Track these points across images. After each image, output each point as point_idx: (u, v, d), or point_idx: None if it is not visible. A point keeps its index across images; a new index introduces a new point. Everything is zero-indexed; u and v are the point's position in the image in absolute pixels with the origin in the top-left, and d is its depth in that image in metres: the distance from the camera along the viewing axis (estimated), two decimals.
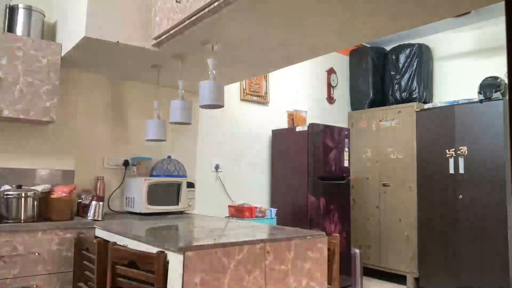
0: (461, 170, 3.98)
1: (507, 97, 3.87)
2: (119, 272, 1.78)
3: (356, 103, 5.15)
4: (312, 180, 3.85)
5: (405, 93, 4.73)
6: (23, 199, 2.35)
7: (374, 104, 4.99)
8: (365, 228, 4.81)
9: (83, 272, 2.22)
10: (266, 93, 4.32)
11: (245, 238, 1.79)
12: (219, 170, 3.86)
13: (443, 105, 4.23)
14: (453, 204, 4.03)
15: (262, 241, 1.77)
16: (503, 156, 3.72)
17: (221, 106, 2.35)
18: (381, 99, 5.04)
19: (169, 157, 3.29)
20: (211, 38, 2.30)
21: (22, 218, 2.34)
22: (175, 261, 1.57)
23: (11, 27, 2.58)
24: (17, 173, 2.68)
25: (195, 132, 3.59)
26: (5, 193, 2.34)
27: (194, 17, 2.01)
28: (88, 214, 2.53)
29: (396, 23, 2.08)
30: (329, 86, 5.04)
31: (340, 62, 5.21)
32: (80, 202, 2.73)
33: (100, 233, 2.29)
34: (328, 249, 2.04)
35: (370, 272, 4.79)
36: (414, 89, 4.68)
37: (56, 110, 2.57)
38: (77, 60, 2.74)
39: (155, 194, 2.97)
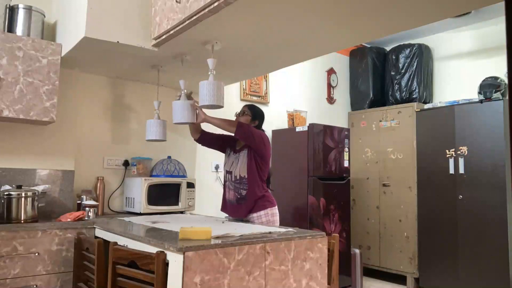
0: (461, 170, 3.98)
1: (507, 97, 3.87)
2: (119, 272, 1.78)
3: (356, 103, 5.15)
4: (312, 180, 3.85)
5: (405, 93, 4.73)
6: (23, 199, 2.35)
7: (374, 104, 4.99)
8: (365, 228, 4.81)
9: (83, 272, 2.22)
10: (266, 93, 4.32)
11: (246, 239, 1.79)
12: (219, 170, 3.86)
13: (443, 105, 4.23)
14: (453, 204, 4.03)
15: (262, 241, 1.77)
16: (503, 156, 3.72)
17: (221, 107, 2.35)
18: (381, 99, 5.03)
19: (169, 157, 3.29)
20: (211, 38, 2.30)
21: (22, 218, 2.34)
22: (175, 261, 1.57)
23: (11, 27, 2.58)
24: (17, 173, 2.68)
25: None
26: (5, 193, 2.34)
27: (194, 17, 2.00)
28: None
29: (396, 23, 2.08)
30: (329, 86, 5.04)
31: (340, 62, 5.21)
32: (80, 203, 2.73)
33: (100, 233, 2.29)
34: (328, 249, 2.04)
35: (370, 272, 4.79)
36: (414, 89, 4.68)
37: (56, 110, 2.57)
38: (77, 60, 2.74)
39: (155, 194, 2.97)
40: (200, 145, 3.57)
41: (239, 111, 2.81)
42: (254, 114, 2.75)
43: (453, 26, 4.69)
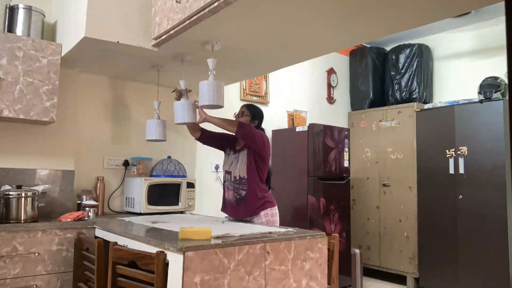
0: (461, 170, 3.98)
1: (507, 97, 3.87)
2: (119, 272, 1.78)
3: (356, 103, 5.15)
4: (312, 180, 3.85)
5: (405, 93, 4.73)
6: (23, 199, 2.35)
7: (374, 104, 4.99)
8: (365, 228, 4.81)
9: (83, 272, 2.22)
10: (266, 93, 4.32)
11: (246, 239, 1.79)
12: (219, 170, 3.86)
13: (443, 105, 4.23)
14: (453, 204, 4.03)
15: (262, 241, 1.77)
16: (503, 156, 3.72)
17: (221, 107, 2.35)
18: (381, 99, 5.03)
19: (169, 157, 3.29)
20: (211, 38, 2.30)
21: (22, 218, 2.34)
22: (175, 261, 1.57)
23: (11, 27, 2.58)
24: (17, 173, 2.68)
25: None
26: (5, 193, 2.35)
27: (194, 17, 2.00)
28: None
29: (396, 23, 2.08)
30: (329, 86, 5.04)
31: (340, 62, 5.21)
32: (80, 203, 2.73)
33: (100, 233, 2.29)
34: (328, 249, 2.04)
35: (370, 272, 4.79)
36: (414, 89, 4.68)
37: (56, 110, 2.57)
38: (77, 60, 2.74)
39: (155, 194, 2.97)
40: (200, 145, 3.59)
41: (237, 112, 2.80)
42: (253, 114, 2.74)
43: (453, 26, 4.69)
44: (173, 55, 2.61)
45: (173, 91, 2.65)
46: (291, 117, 4.44)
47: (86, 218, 2.52)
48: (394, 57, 4.90)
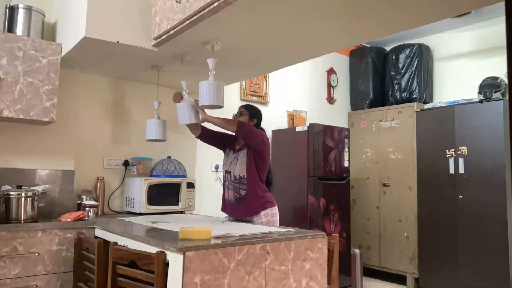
0: (461, 170, 3.98)
1: (507, 97, 3.87)
2: (119, 272, 1.78)
3: (356, 103, 5.15)
4: (312, 180, 3.85)
5: (405, 93, 4.73)
6: (23, 199, 2.35)
7: (374, 104, 4.99)
8: (365, 228, 4.81)
9: (83, 272, 2.22)
10: (266, 93, 4.32)
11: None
12: (219, 170, 3.86)
13: (443, 105, 4.23)
14: (453, 204, 4.03)
15: (262, 241, 1.77)
16: (503, 156, 3.72)
17: (221, 107, 2.35)
18: (381, 99, 5.03)
19: (169, 157, 3.29)
20: (211, 38, 2.30)
21: (22, 218, 2.34)
22: (175, 261, 1.57)
23: (11, 27, 2.58)
24: (17, 173, 2.68)
25: None
26: (5, 193, 2.35)
27: (194, 17, 2.00)
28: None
29: (396, 23, 2.08)
30: (329, 86, 5.04)
31: (340, 62, 5.21)
32: (80, 203, 2.73)
33: (100, 233, 2.29)
34: (328, 249, 2.04)
35: (370, 272, 4.79)
36: (414, 89, 4.68)
37: (56, 110, 2.57)
38: (77, 60, 2.74)
39: (155, 194, 2.97)
40: (200, 145, 3.59)
41: (236, 113, 2.81)
42: (252, 113, 2.75)
43: (453, 26, 4.69)
44: (173, 55, 2.61)
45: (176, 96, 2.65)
46: (291, 117, 4.44)
47: (86, 218, 2.53)
48: (394, 57, 4.90)
